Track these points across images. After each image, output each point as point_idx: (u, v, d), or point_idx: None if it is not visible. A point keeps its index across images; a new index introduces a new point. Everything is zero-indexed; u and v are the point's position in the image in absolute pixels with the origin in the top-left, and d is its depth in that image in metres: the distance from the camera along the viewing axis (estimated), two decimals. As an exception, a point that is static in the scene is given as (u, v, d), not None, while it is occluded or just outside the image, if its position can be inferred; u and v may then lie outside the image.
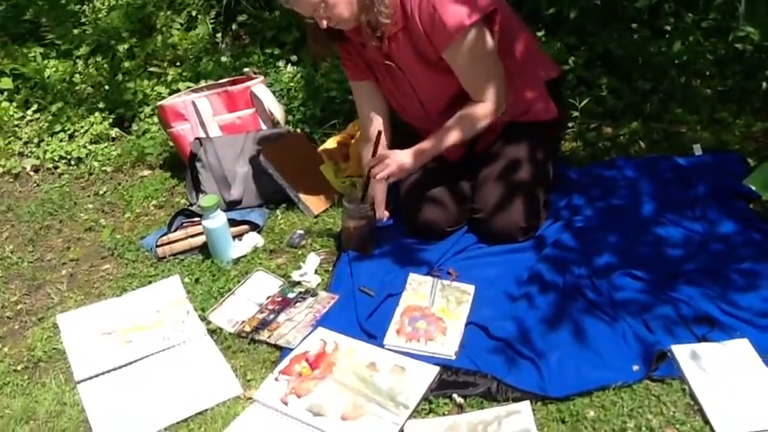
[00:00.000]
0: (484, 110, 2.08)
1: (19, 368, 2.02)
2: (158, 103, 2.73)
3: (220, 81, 2.80)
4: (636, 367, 1.77)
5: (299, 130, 2.86)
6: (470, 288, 2.08)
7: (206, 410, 1.81)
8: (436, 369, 1.82)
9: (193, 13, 3.60)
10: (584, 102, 2.72)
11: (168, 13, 3.63)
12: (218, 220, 2.23)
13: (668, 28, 2.95)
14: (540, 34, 3.01)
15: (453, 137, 2.09)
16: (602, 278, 2.05)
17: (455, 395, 1.75)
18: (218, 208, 2.24)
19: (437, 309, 2.02)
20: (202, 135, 2.63)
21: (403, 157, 2.10)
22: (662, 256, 2.12)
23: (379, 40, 2.04)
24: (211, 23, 3.52)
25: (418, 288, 2.09)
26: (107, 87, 3.26)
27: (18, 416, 1.87)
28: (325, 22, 1.97)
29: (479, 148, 2.26)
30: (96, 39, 3.52)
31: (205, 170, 2.52)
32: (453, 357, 1.87)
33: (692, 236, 2.18)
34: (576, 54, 2.95)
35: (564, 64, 2.91)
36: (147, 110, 3.12)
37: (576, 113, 2.72)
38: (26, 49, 3.48)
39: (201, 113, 2.64)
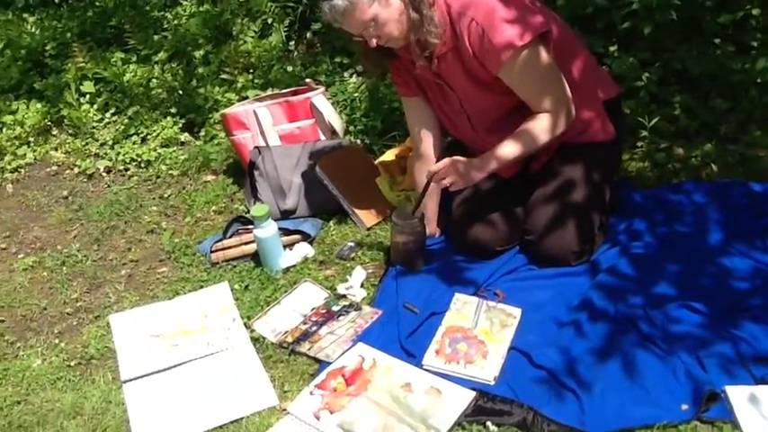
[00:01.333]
0: (545, 123, 2.00)
1: (72, 364, 2.10)
2: (222, 111, 2.79)
3: (283, 91, 2.83)
4: (685, 406, 1.68)
5: (359, 141, 2.87)
6: (517, 311, 2.02)
7: (241, 419, 1.83)
8: (472, 394, 1.77)
9: (269, 21, 3.66)
10: (654, 120, 2.61)
11: (245, 20, 3.71)
12: (268, 230, 2.26)
13: (754, 44, 2.79)
14: (612, 49, 2.91)
15: (513, 150, 2.01)
16: (658, 309, 1.95)
17: (489, 423, 1.70)
18: (268, 218, 2.26)
19: (480, 331, 1.97)
20: (262, 144, 2.67)
21: (472, 163, 2.03)
22: (726, 289, 2.01)
23: (428, 60, 2.01)
24: (285, 32, 3.57)
25: (462, 308, 2.05)
26: (180, 92, 3.36)
27: (67, 410, 1.94)
28: (374, 41, 1.96)
29: (533, 167, 2.20)
30: (174, 45, 3.63)
31: (262, 178, 2.55)
32: (492, 383, 1.82)
33: (761, 268, 2.05)
34: (649, 70, 2.83)
35: (637, 80, 2.81)
36: (216, 116, 3.18)
37: (644, 133, 2.61)
38: (109, 54, 3.63)
39: (262, 123, 2.68)
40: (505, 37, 1.88)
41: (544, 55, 1.94)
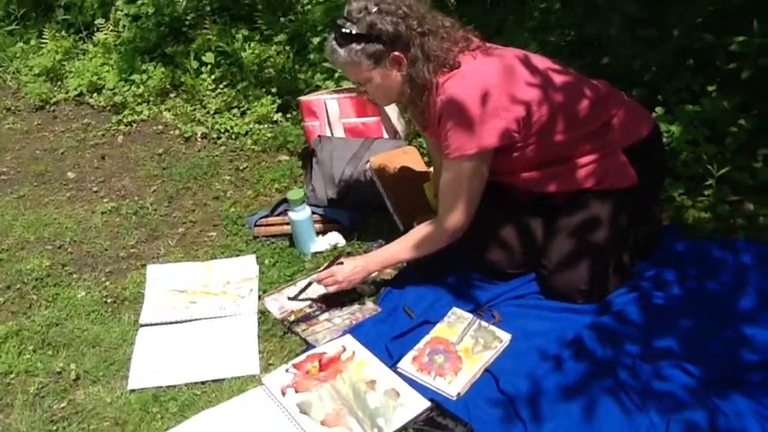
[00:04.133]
0: (440, 234, 2.08)
1: (108, 301, 2.36)
2: (299, 98, 2.96)
3: (358, 86, 2.95)
4: (633, 466, 1.63)
5: (425, 144, 2.92)
6: (506, 336, 2.02)
7: (222, 380, 1.99)
8: (427, 404, 1.82)
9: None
10: (724, 170, 2.46)
11: (366, 13, 3.85)
12: (301, 214, 2.40)
13: None
14: (710, 89, 2.77)
15: (402, 253, 2.17)
16: (650, 363, 1.88)
17: (430, 435, 1.75)
18: (303, 202, 2.40)
19: (462, 347, 2.00)
20: (327, 133, 2.81)
21: (358, 263, 2.16)
22: (732, 358, 1.89)
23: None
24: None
25: (454, 323, 2.08)
26: (287, 75, 3.57)
27: (90, 339, 2.20)
28: (362, 94, 2.12)
29: (556, 202, 2.17)
30: (295, 29, 3.86)
31: (318, 166, 2.69)
32: (454, 398, 1.85)
33: (781, 345, 1.91)
34: (745, 117, 2.66)
35: (730, 125, 2.66)
36: (305, 101, 3.36)
37: (710, 181, 2.48)
38: (235, 30, 3.92)
39: (329, 113, 2.82)
40: (457, 141, 1.95)
41: (480, 172, 1.99)
